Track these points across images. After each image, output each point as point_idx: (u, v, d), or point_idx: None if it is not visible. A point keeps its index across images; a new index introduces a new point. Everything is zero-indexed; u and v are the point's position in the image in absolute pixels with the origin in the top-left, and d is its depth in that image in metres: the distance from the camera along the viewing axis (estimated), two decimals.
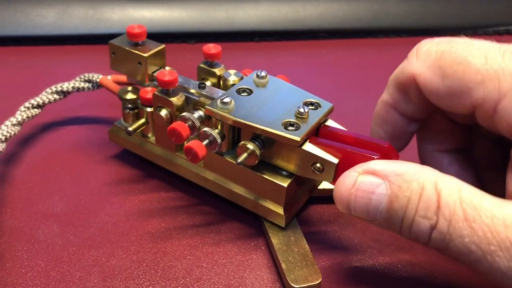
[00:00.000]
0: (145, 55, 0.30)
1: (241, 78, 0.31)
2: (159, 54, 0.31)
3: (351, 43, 0.52)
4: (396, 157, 0.25)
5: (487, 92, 0.21)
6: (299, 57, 0.49)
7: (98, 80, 0.35)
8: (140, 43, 0.31)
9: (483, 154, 0.28)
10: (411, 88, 0.25)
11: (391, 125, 0.27)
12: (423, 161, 0.28)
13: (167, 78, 0.28)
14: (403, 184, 0.21)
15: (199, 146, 0.26)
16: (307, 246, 0.27)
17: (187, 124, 0.27)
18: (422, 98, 0.25)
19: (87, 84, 0.36)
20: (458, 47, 0.23)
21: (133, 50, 0.31)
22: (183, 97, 0.29)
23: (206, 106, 0.27)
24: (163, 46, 0.31)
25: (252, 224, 0.30)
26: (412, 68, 0.24)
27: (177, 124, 0.27)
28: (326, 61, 0.49)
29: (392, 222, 0.22)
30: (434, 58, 0.23)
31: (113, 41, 0.31)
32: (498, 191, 0.22)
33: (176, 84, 0.29)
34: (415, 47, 0.25)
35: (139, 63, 0.31)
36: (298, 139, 0.25)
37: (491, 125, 0.22)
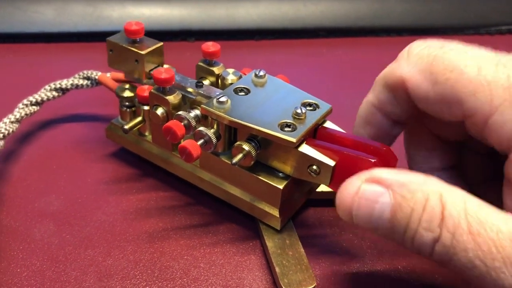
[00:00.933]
0: (142, 52, 0.30)
1: (240, 77, 0.31)
2: (157, 52, 0.31)
3: (352, 41, 0.52)
4: (395, 161, 0.25)
5: (479, 104, 0.21)
6: (299, 56, 0.49)
7: (97, 77, 0.35)
8: (138, 40, 0.31)
9: (474, 168, 0.27)
10: (399, 91, 0.24)
11: (374, 126, 0.27)
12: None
13: (163, 76, 0.28)
14: (407, 194, 0.21)
15: (193, 146, 0.26)
16: (302, 250, 0.27)
17: (182, 123, 0.27)
18: (409, 101, 0.24)
19: (85, 82, 0.36)
20: (451, 53, 0.22)
21: (130, 48, 0.30)
22: (180, 96, 0.29)
23: (202, 105, 0.27)
24: (160, 43, 0.31)
25: (250, 225, 0.30)
26: (402, 70, 0.24)
27: (172, 123, 0.27)
28: (327, 60, 0.49)
29: (394, 232, 0.21)
30: (426, 63, 0.23)
31: (110, 38, 0.31)
32: (493, 204, 0.21)
33: (173, 82, 0.29)
34: (406, 49, 0.24)
35: (136, 60, 0.30)
36: (294, 140, 0.25)
37: (481, 136, 0.22)
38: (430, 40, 0.24)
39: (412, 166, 0.28)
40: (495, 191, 0.23)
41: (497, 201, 0.22)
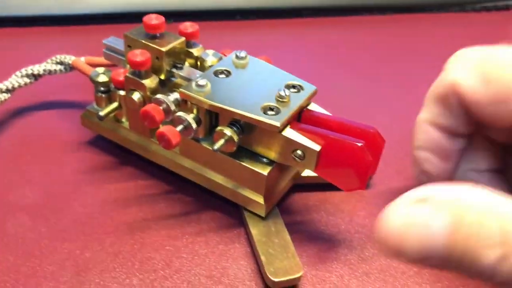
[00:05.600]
0: (163, 49, 0.28)
1: (220, 59, 0.29)
2: (179, 48, 0.29)
3: (335, 21, 0.51)
4: (382, 143, 0.24)
5: None
6: (282, 36, 0.48)
7: (70, 62, 0.34)
8: (158, 35, 0.28)
9: None
10: (451, 98, 0.23)
11: (434, 143, 0.25)
12: (456, 179, 0.26)
13: (138, 58, 0.26)
14: (463, 213, 0.18)
15: (172, 132, 0.25)
16: (288, 237, 0.26)
17: (161, 107, 0.26)
18: (464, 109, 0.23)
19: (59, 67, 0.34)
20: (503, 50, 0.21)
21: (150, 44, 0.28)
22: (157, 80, 0.28)
23: (180, 89, 0.26)
24: (183, 39, 0.29)
25: (234, 212, 0.29)
26: (452, 75, 0.22)
27: (150, 107, 0.26)
28: (311, 40, 0.48)
29: (451, 259, 0.18)
30: (476, 64, 0.22)
31: (129, 33, 0.29)
32: None
33: (149, 65, 0.27)
34: (453, 57, 0.23)
35: (157, 58, 0.28)
36: (278, 124, 0.24)
37: None
38: (477, 46, 0.23)
39: (455, 164, 0.26)
40: None
41: None
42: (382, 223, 0.19)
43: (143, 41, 0.28)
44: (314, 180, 0.29)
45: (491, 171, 0.26)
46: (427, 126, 0.24)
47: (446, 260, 0.18)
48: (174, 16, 0.47)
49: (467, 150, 0.25)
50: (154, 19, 0.28)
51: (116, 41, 0.31)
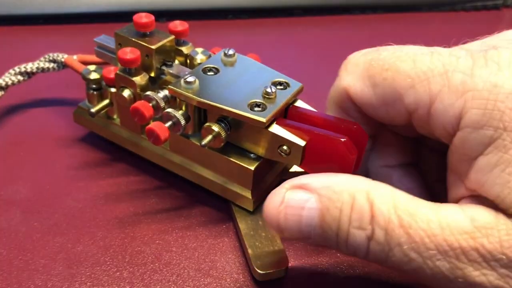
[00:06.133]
0: (152, 47, 0.28)
1: (209, 57, 0.30)
2: (168, 46, 0.29)
3: (326, 20, 0.51)
4: (365, 139, 0.24)
5: (419, 96, 0.20)
6: (274, 35, 0.49)
7: (63, 60, 0.34)
8: (148, 33, 0.29)
9: (432, 167, 0.27)
10: (346, 103, 0.24)
11: None
12: (372, 177, 0.26)
13: (128, 56, 0.27)
14: (333, 195, 0.20)
15: (161, 128, 0.25)
16: None
17: (151, 104, 0.27)
18: (361, 112, 0.24)
19: (52, 65, 0.35)
20: (385, 53, 0.22)
21: (140, 42, 0.28)
22: (147, 77, 0.28)
23: (169, 86, 0.26)
24: (172, 37, 0.29)
25: (223, 207, 0.29)
26: (343, 82, 0.23)
27: (139, 104, 0.26)
28: (302, 39, 0.48)
29: (326, 237, 0.21)
30: (363, 68, 0.23)
31: (119, 31, 0.29)
32: (446, 201, 0.21)
33: (139, 63, 0.28)
34: (344, 62, 0.24)
35: (147, 55, 0.29)
36: (263, 120, 0.24)
37: (429, 131, 0.21)
38: (365, 49, 0.24)
39: (370, 161, 0.27)
40: None
41: None
42: (265, 205, 0.22)
43: (133, 39, 0.29)
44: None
45: (403, 165, 0.26)
46: None
47: (324, 239, 0.21)
48: (166, 15, 0.48)
49: (377, 147, 0.26)
50: (144, 18, 0.28)
51: (107, 39, 0.31)
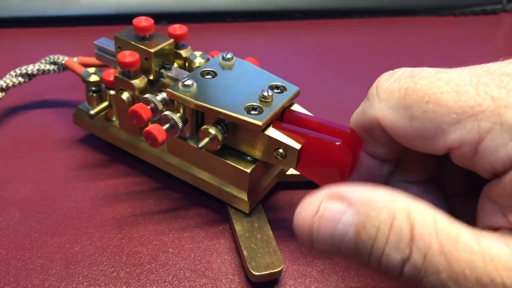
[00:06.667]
0: (151, 50, 0.28)
1: (207, 60, 0.30)
2: (167, 49, 0.29)
3: (326, 24, 0.52)
4: (360, 144, 0.24)
5: (465, 133, 0.19)
6: (273, 38, 0.49)
7: (63, 62, 0.35)
8: (148, 37, 0.29)
9: (452, 180, 0.25)
10: (376, 131, 0.22)
11: (362, 168, 0.24)
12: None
13: (127, 59, 0.27)
14: (372, 213, 0.19)
15: (158, 130, 0.25)
16: (271, 232, 0.27)
17: (149, 107, 0.27)
18: (391, 139, 0.22)
19: (52, 67, 0.35)
20: (422, 82, 0.20)
21: (139, 45, 0.29)
22: (145, 80, 0.29)
23: (167, 89, 0.26)
24: (171, 40, 0.30)
25: (220, 208, 0.30)
26: (374, 110, 0.21)
27: (138, 106, 0.26)
28: (301, 43, 0.48)
29: (359, 254, 0.19)
30: (398, 97, 0.21)
31: (118, 35, 0.29)
32: (466, 217, 0.20)
33: (138, 66, 0.28)
34: (374, 85, 0.22)
35: (146, 58, 0.29)
36: (260, 123, 0.25)
37: (469, 166, 0.20)
38: (398, 70, 0.22)
39: (388, 177, 0.25)
40: (472, 204, 0.22)
41: (473, 215, 0.21)
42: (297, 214, 0.20)
43: (133, 43, 0.29)
44: (299, 179, 0.30)
45: (424, 182, 0.25)
46: None
47: (356, 255, 0.19)
48: (166, 18, 0.48)
49: (399, 164, 0.25)
50: (143, 21, 0.29)
51: (107, 42, 0.32)
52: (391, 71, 0.22)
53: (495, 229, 0.20)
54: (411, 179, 0.25)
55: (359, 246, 0.19)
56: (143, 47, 0.29)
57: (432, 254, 0.18)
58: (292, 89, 0.27)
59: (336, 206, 0.19)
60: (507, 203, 0.19)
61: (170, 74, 0.29)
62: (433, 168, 0.25)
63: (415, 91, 0.20)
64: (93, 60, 0.33)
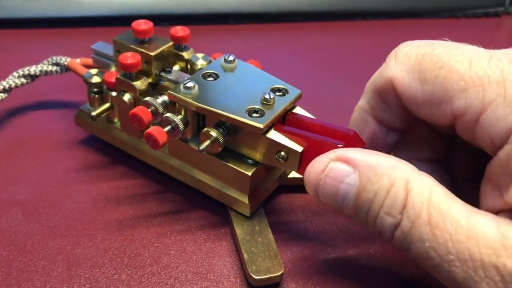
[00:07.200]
0: (151, 53, 0.28)
1: (209, 62, 0.30)
2: (167, 52, 0.29)
3: (328, 26, 0.52)
4: (362, 146, 0.24)
5: (470, 101, 0.19)
6: (275, 40, 0.49)
7: (66, 63, 0.35)
8: (147, 40, 0.29)
9: (461, 165, 0.26)
10: (389, 94, 0.23)
11: (368, 133, 0.25)
12: None
13: (129, 61, 0.27)
14: (373, 177, 0.20)
15: (159, 133, 0.25)
16: (271, 236, 0.27)
17: (150, 109, 0.27)
18: (401, 105, 0.23)
19: (55, 68, 0.35)
20: (440, 49, 0.21)
21: (138, 48, 0.29)
22: (147, 82, 0.29)
23: (168, 91, 0.26)
24: (171, 43, 0.29)
25: (221, 211, 0.29)
26: (390, 71, 0.22)
27: (138, 109, 0.26)
28: (303, 45, 0.48)
29: (358, 213, 0.21)
30: (414, 61, 0.22)
31: (117, 38, 0.29)
32: (473, 203, 0.21)
33: (139, 68, 0.28)
34: (394, 50, 0.23)
35: (146, 62, 0.29)
36: (261, 126, 0.25)
37: (472, 138, 0.21)
38: (418, 40, 0.23)
39: (398, 153, 0.26)
40: (478, 190, 0.22)
41: (478, 201, 0.21)
42: (307, 170, 0.22)
43: (132, 46, 0.29)
44: (301, 182, 0.29)
45: (431, 160, 0.26)
46: (363, 114, 0.25)
47: (356, 214, 0.21)
48: (168, 20, 0.48)
49: (407, 139, 0.26)
50: (142, 24, 0.29)
51: (104, 46, 0.32)
52: (411, 41, 0.23)
53: (496, 213, 0.20)
54: (419, 157, 0.26)
55: (358, 207, 0.21)
56: (143, 50, 0.29)
57: (419, 223, 0.19)
58: (294, 92, 0.27)
59: (342, 167, 0.21)
60: (503, 181, 0.20)
61: (170, 77, 0.29)
62: (442, 148, 0.26)
63: (431, 56, 0.21)
64: None
